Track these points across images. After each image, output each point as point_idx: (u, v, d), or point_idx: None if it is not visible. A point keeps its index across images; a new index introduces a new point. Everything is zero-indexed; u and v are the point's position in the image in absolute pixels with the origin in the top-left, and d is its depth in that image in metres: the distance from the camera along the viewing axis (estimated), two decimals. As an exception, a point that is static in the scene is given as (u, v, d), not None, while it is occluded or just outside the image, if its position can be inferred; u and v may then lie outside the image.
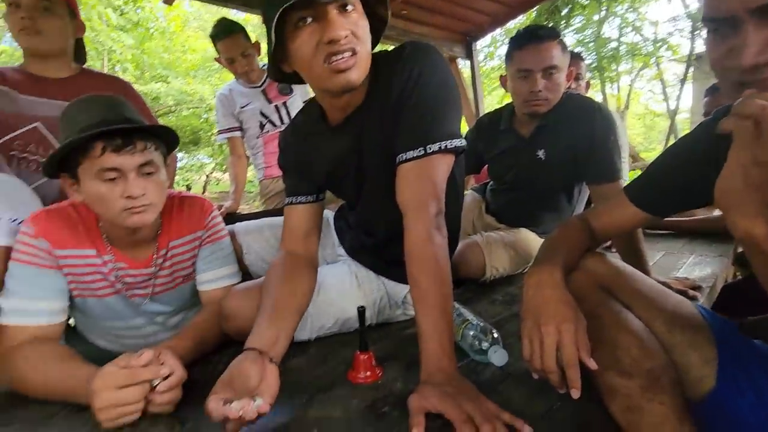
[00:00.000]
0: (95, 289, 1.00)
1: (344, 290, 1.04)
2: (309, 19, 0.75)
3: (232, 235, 1.24)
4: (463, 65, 3.81)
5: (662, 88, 7.84)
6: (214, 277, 1.09)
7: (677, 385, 0.67)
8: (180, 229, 1.07)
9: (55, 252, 0.93)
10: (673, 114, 7.37)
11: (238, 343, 0.99)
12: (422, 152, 0.81)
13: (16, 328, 0.87)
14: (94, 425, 0.70)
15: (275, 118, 2.15)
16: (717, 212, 1.80)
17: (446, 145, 0.81)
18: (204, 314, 1.02)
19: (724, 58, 0.58)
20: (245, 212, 2.33)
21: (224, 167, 10.08)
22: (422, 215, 0.80)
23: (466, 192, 1.73)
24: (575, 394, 0.64)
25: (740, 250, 1.77)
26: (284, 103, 2.15)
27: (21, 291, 0.89)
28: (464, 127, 2.62)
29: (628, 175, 1.60)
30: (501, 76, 1.50)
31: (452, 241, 1.07)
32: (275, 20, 0.74)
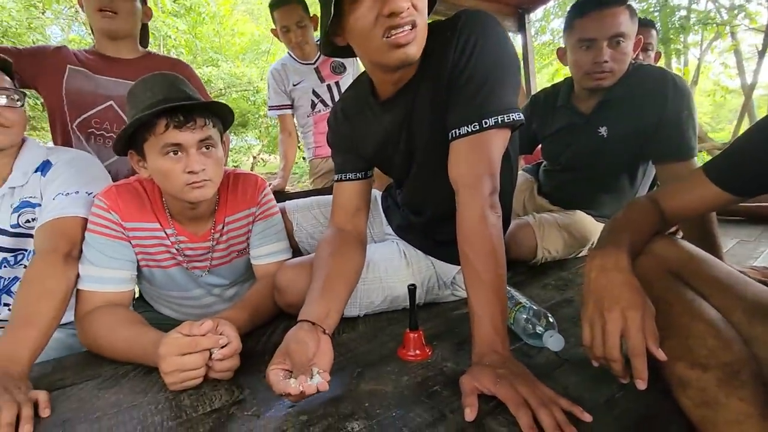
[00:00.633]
0: (160, 260, 1.06)
1: (393, 268, 1.03)
2: None
3: (283, 213, 1.26)
4: (514, 40, 3.62)
5: (737, 61, 7.09)
6: (267, 252, 1.12)
7: (759, 381, 0.61)
8: (235, 205, 1.10)
9: (125, 224, 0.99)
10: (749, 90, 6.68)
11: (290, 315, 1.03)
12: (477, 127, 0.78)
13: (92, 293, 0.94)
14: (163, 386, 0.75)
15: (327, 97, 2.14)
16: None
17: (503, 119, 0.77)
18: (258, 287, 1.05)
19: None
20: (292, 191, 2.37)
21: (271, 149, 10.34)
22: (476, 193, 0.77)
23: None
24: (641, 385, 0.60)
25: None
26: (336, 83, 2.13)
27: (95, 259, 0.96)
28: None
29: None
30: (558, 49, 1.40)
31: (504, 221, 1.04)
32: None
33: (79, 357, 0.93)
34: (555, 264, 1.38)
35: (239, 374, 0.79)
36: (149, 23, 1.66)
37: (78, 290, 0.95)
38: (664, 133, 1.18)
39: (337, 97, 2.13)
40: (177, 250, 1.06)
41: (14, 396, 0.69)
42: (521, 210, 1.60)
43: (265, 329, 1.00)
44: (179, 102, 0.89)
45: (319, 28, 0.86)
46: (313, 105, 2.15)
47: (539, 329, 0.85)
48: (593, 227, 1.40)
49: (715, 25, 6.40)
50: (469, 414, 0.63)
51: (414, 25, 0.74)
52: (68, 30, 7.96)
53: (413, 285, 0.84)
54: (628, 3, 1.21)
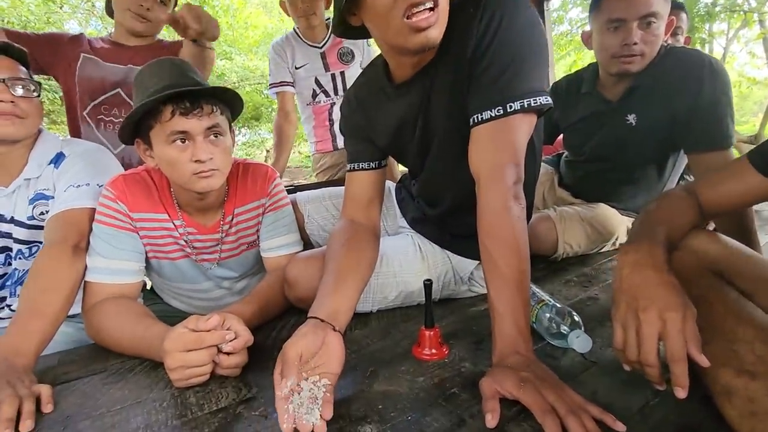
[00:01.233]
0: (168, 252, 1.04)
1: (407, 262, 0.99)
2: None
3: (294, 204, 1.23)
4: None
5: (765, 49, 6.80)
6: (277, 245, 1.09)
7: None
8: (244, 197, 1.07)
9: (132, 215, 0.97)
10: (777, 80, 6.40)
11: (300, 310, 0.99)
12: (501, 111, 0.72)
13: (99, 285, 0.92)
14: (168, 382, 0.73)
15: (330, 88, 1.99)
16: None
17: (530, 103, 0.72)
18: (268, 280, 1.02)
19: None
20: (304, 183, 2.29)
21: (284, 142, 10.32)
22: (499, 183, 0.72)
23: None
24: (681, 393, 0.54)
25: None
26: (342, 73, 1.99)
27: (103, 251, 0.93)
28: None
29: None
30: (583, 32, 1.32)
31: (527, 214, 0.99)
32: None
33: (86, 350, 0.91)
34: (576, 259, 1.31)
35: (247, 371, 0.76)
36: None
37: (85, 282, 0.93)
38: (700, 120, 1.09)
39: (341, 89, 1.99)
40: (186, 241, 1.03)
41: (17, 390, 0.67)
42: (541, 203, 1.53)
43: (275, 324, 0.96)
44: (186, 88, 0.86)
45: (332, 6, 0.81)
46: (314, 94, 2.00)
47: (564, 329, 0.79)
48: (617, 221, 1.33)
49: (742, 12, 6.14)
50: (491, 420, 0.58)
51: (436, 4, 0.68)
52: (86, 24, 8.06)
53: (429, 280, 0.79)
54: None
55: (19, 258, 1.06)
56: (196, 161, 0.88)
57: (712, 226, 1.23)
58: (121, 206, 0.96)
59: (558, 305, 0.84)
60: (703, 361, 0.55)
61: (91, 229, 0.96)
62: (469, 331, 0.89)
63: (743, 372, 0.56)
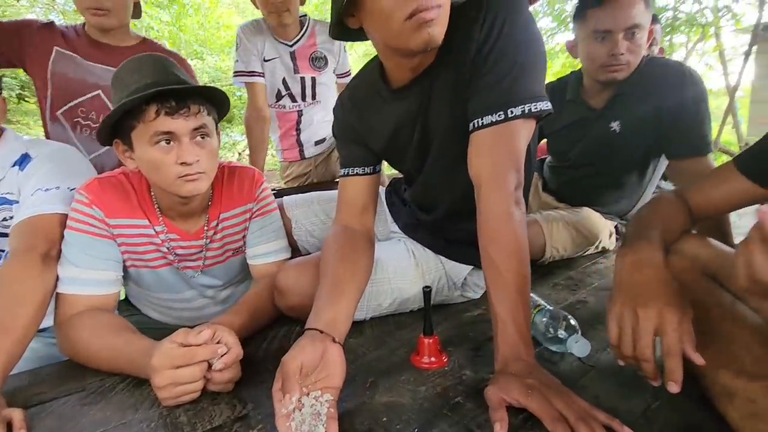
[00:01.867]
0: (148, 260, 0.98)
1: (402, 268, 0.97)
2: None
3: (280, 209, 1.19)
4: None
5: (722, 62, 7.21)
6: (265, 251, 1.05)
7: None
8: (230, 201, 1.02)
9: (109, 221, 0.91)
10: (732, 91, 6.80)
11: (291, 319, 0.96)
12: (502, 116, 0.72)
13: (74, 297, 0.85)
14: (155, 400, 0.68)
15: (297, 91, 1.82)
16: None
17: (530, 108, 0.72)
18: (257, 289, 0.98)
19: None
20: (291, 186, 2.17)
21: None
22: (500, 188, 0.71)
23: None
24: (674, 388, 0.55)
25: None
26: (313, 79, 1.82)
27: (77, 260, 0.87)
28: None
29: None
30: (567, 41, 1.35)
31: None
32: None
33: (58, 367, 0.84)
34: (562, 263, 1.33)
35: (240, 386, 0.72)
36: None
37: (58, 294, 0.86)
38: (682, 127, 1.14)
39: (309, 95, 1.83)
40: (167, 248, 0.98)
41: None
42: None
43: (265, 334, 0.92)
44: (172, 86, 0.81)
45: (331, 8, 0.78)
46: (279, 95, 1.82)
47: (561, 333, 0.80)
48: (601, 225, 1.36)
49: (700, 26, 6.50)
50: (500, 429, 0.57)
51: (439, 5, 0.67)
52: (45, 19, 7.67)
53: (428, 287, 0.78)
54: None
55: (-19, 269, 0.97)
56: (181, 164, 0.84)
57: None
58: (96, 212, 0.90)
59: (553, 309, 0.85)
60: (698, 359, 0.56)
61: (62, 237, 0.89)
62: (466, 337, 0.88)
63: (742, 373, 0.58)
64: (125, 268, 0.98)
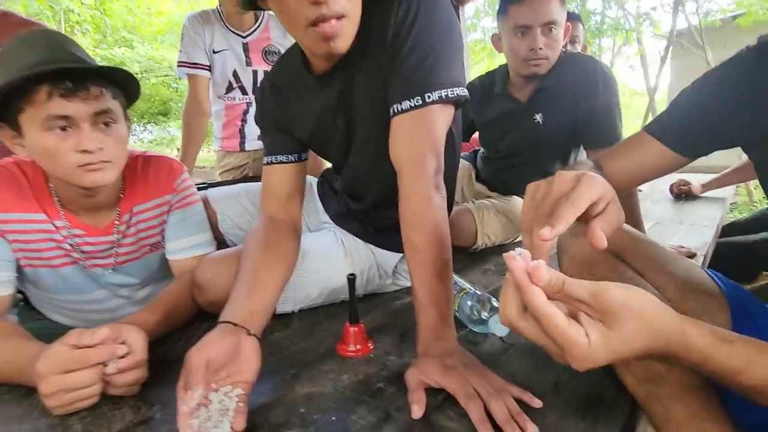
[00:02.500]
0: (48, 258, 0.89)
1: (330, 258, 0.95)
2: None
3: (206, 202, 1.13)
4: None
5: (642, 65, 7.87)
6: (185, 246, 0.98)
7: None
8: (145, 193, 0.95)
9: (-3, 215, 0.81)
10: (652, 92, 7.43)
11: (213, 315, 0.90)
12: (420, 101, 0.72)
13: (-47, 301, 0.75)
14: (44, 410, 0.61)
15: (248, 84, 1.78)
16: (744, 158, 1.85)
17: (447, 94, 0.72)
18: (176, 285, 0.92)
19: None
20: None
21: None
22: (420, 173, 0.71)
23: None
24: (545, 233, 0.47)
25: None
26: (265, 72, 1.79)
27: (-43, 260, 0.77)
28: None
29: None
30: (493, 35, 1.40)
31: (448, 205, 1.00)
32: None
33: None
34: (494, 250, 1.38)
35: (148, 387, 0.66)
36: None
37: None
38: (595, 121, 1.23)
39: None
40: (71, 245, 0.89)
41: None
42: (460, 197, 1.59)
43: (182, 333, 0.87)
44: (66, 64, 0.74)
45: None
46: (229, 87, 1.78)
47: (484, 315, 0.82)
48: (529, 212, 1.42)
49: (624, 31, 7.03)
50: (417, 411, 0.57)
51: (343, 16, 0.66)
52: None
53: (353, 275, 0.77)
54: None
55: None
56: (82, 151, 0.76)
57: None
58: (-19, 206, 0.80)
59: (479, 293, 0.87)
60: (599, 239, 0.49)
61: None
62: (394, 324, 0.88)
63: (638, 342, 0.62)
64: (20, 268, 0.88)
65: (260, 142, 1.88)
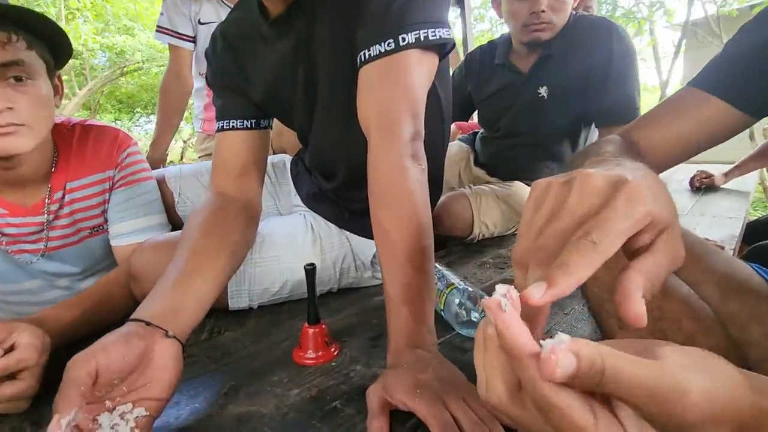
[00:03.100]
0: (-39, 241, 0.76)
1: (296, 246, 0.81)
2: None
3: (161, 181, 0.99)
4: (453, 26, 3.52)
5: (654, 57, 7.60)
6: (130, 230, 0.85)
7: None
8: (81, 167, 0.82)
9: None
10: (664, 86, 7.18)
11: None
12: (393, 45, 0.57)
13: None
14: None
15: None
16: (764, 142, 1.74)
17: (426, 36, 0.57)
18: (112, 275, 0.78)
19: None
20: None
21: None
22: (392, 137, 0.57)
23: (451, 142, 1.50)
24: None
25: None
26: None
27: None
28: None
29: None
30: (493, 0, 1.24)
31: (434, 184, 0.86)
32: None
33: None
34: (492, 241, 1.23)
35: (43, 402, 0.53)
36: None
37: None
38: (609, 91, 1.06)
39: None
40: (-10, 226, 0.76)
41: None
42: (456, 182, 1.44)
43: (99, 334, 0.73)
44: None
45: None
46: None
47: (474, 316, 0.67)
48: (533, 199, 1.27)
49: (636, 20, 6.78)
50: (376, 444, 0.43)
51: None
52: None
53: (311, 264, 0.62)
54: None
55: None
56: None
57: None
58: None
59: (470, 289, 0.72)
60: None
61: None
62: (368, 325, 0.74)
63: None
64: (-73, 253, 0.75)
65: None
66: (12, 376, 0.50)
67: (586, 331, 0.68)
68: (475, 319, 0.67)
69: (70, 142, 0.82)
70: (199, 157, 1.81)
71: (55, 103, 0.76)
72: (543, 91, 1.16)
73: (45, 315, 0.63)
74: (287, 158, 1.08)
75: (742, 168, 1.77)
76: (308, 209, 0.92)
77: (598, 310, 0.54)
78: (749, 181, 1.89)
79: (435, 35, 0.58)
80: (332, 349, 0.64)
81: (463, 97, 1.39)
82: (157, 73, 8.57)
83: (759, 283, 0.56)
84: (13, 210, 0.78)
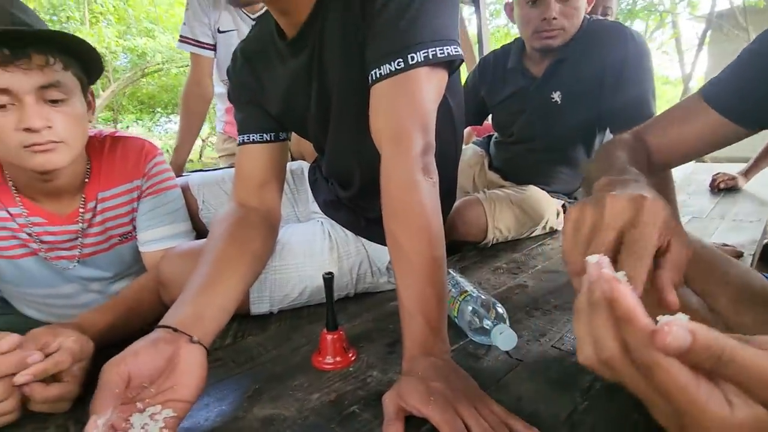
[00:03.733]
0: (4, 248, 0.81)
1: (314, 253, 0.84)
2: None
3: (185, 189, 1.03)
4: (469, 23, 3.49)
5: (677, 50, 7.40)
6: (157, 237, 0.89)
7: None
8: (112, 178, 0.86)
9: (-58, 202, 0.73)
10: (687, 79, 6.99)
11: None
12: (402, 64, 0.59)
13: None
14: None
15: None
16: None
17: (435, 53, 0.59)
18: (142, 281, 0.83)
19: None
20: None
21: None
22: (403, 151, 0.59)
23: (465, 146, 1.51)
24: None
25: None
26: None
27: None
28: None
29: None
30: (506, 4, 1.25)
31: (448, 195, 0.87)
32: None
33: None
34: (506, 245, 1.24)
35: (85, 403, 0.57)
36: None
37: None
38: (624, 95, 1.06)
39: None
40: (29, 235, 0.81)
41: None
42: (471, 187, 1.45)
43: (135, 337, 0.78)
44: (5, 27, 0.64)
45: None
46: None
47: (487, 323, 0.69)
48: (547, 203, 1.27)
49: (658, 13, 6.61)
50: (390, 448, 0.46)
51: None
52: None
53: (330, 273, 0.65)
54: None
55: None
56: (25, 130, 0.67)
57: None
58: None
59: (483, 296, 0.74)
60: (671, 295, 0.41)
61: None
62: (385, 330, 0.77)
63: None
64: (-26, 260, 0.81)
65: None
66: (56, 378, 0.54)
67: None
68: (487, 327, 0.69)
69: (101, 154, 0.86)
70: (220, 157, 1.89)
71: (89, 118, 0.80)
72: (556, 95, 1.16)
73: (81, 320, 0.67)
74: (305, 165, 1.11)
75: (759, 165, 1.74)
76: (326, 216, 0.95)
77: None
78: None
79: (443, 53, 0.60)
80: (350, 355, 0.67)
81: (476, 102, 1.40)
82: (177, 74, 8.77)
83: (772, 295, 0.57)
84: (51, 219, 0.83)
